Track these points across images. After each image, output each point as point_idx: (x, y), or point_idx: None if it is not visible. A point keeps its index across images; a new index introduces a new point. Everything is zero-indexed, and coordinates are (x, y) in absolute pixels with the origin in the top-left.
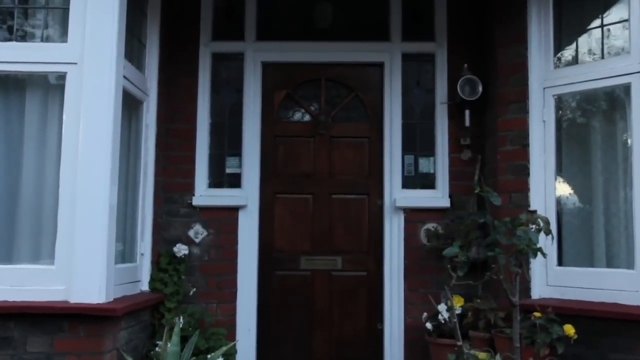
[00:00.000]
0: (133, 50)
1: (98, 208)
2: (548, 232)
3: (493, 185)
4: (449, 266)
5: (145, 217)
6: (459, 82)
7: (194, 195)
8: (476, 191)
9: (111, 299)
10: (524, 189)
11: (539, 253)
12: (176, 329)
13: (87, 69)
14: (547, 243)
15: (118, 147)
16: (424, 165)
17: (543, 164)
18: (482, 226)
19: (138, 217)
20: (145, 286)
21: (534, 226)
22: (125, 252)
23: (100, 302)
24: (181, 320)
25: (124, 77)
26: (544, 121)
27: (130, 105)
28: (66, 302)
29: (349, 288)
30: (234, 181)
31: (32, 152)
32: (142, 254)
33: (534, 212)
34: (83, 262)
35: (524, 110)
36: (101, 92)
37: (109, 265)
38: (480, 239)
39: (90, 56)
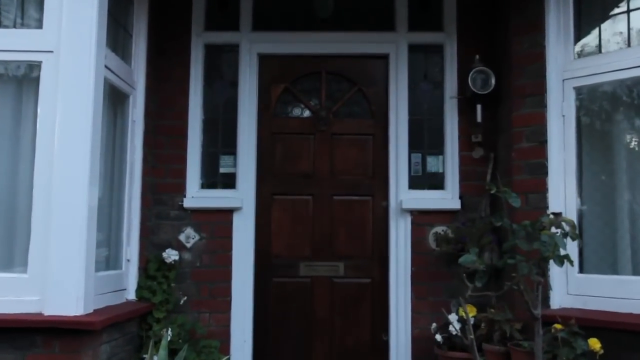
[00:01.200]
0: (118, 40)
1: (76, 210)
2: (575, 237)
3: (507, 185)
4: (464, 275)
5: (132, 220)
6: (470, 75)
7: (185, 196)
8: (492, 191)
9: (90, 311)
10: (542, 189)
11: (565, 261)
12: (163, 342)
13: (63, 57)
14: (568, 249)
15: (99, 144)
16: (433, 164)
17: (562, 162)
18: (496, 230)
19: (124, 221)
20: (131, 295)
21: (558, 230)
22: (109, 259)
23: (78, 314)
24: (169, 332)
25: (107, 67)
26: (563, 116)
27: (114, 98)
28: (40, 314)
29: (352, 296)
30: (229, 181)
31: (4, 150)
32: (129, 260)
33: (559, 214)
34: (59, 270)
35: (541, 104)
36: (80, 83)
37: (87, 273)
38: (493, 243)
39: (67, 44)
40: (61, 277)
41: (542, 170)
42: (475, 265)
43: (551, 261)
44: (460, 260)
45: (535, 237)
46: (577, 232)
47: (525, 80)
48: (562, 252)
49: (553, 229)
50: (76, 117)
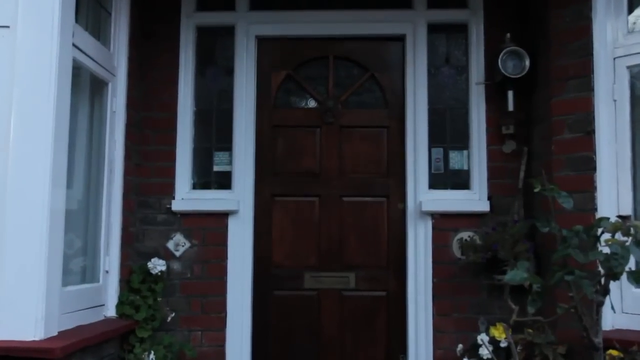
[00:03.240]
0: (94, 19)
1: (35, 216)
2: None
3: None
4: (509, 298)
5: (112, 225)
6: (500, 56)
7: (174, 198)
8: (536, 189)
9: (54, 333)
10: (589, 187)
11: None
12: None
13: (21, 33)
14: None
15: (65, 137)
16: (456, 160)
17: (614, 155)
18: (531, 236)
19: (101, 226)
20: (111, 311)
21: (628, 238)
22: (85, 270)
23: (37, 338)
24: (152, 356)
25: (76, 47)
26: (614, 100)
27: (88, 85)
28: None
29: (365, 311)
30: (224, 181)
31: None
32: (107, 272)
33: (627, 217)
34: (14, 286)
35: (587, 87)
36: (40, 63)
37: (50, 290)
38: (529, 252)
39: (26, 17)
40: (17, 295)
41: (588, 166)
42: (528, 284)
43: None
44: (507, 277)
45: (589, 245)
46: None
47: (567, 60)
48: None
49: (618, 236)
50: (36, 104)
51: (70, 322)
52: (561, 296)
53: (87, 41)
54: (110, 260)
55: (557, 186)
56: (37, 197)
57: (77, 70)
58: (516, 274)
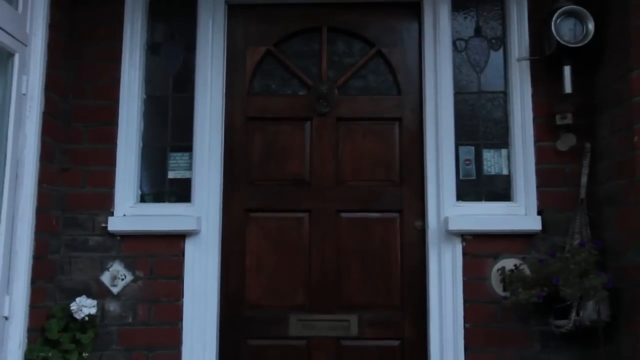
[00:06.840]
0: None
1: None
2: None
3: (628, 189)
4: None
5: (16, 252)
6: (553, 20)
7: (112, 214)
8: None
9: None
10: None
11: None
12: None
13: None
14: None
15: None
16: (493, 162)
17: None
18: (600, 264)
19: None
20: None
21: None
22: None
23: None
24: None
25: None
26: None
27: None
28: None
29: None
30: (181, 191)
31: None
32: (7, 318)
33: None
34: None
35: None
36: None
37: None
38: (605, 288)
39: None
40: None
41: None
42: None
43: None
44: None
45: None
46: None
47: None
48: None
49: None
50: None
51: None
52: None
53: None
54: (12, 301)
55: (634, 194)
56: None
57: None
58: None
